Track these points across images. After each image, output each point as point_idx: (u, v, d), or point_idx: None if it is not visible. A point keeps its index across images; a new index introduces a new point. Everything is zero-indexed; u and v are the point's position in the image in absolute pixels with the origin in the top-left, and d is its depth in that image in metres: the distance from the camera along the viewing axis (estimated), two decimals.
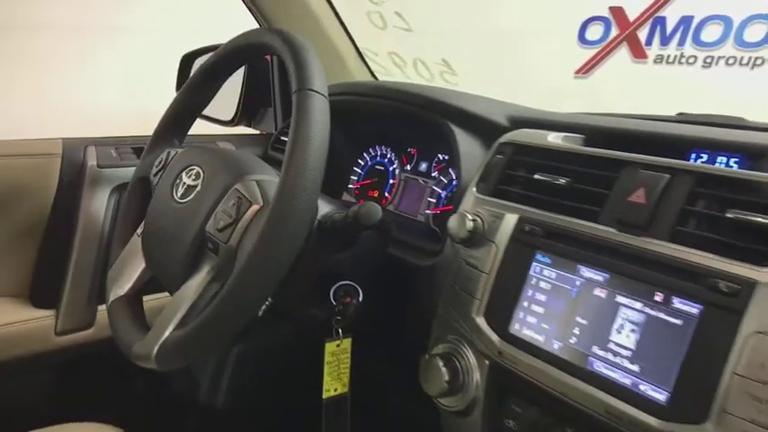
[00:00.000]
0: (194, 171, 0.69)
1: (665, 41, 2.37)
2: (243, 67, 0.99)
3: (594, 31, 2.47)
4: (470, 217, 0.60)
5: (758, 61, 2.21)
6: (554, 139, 0.64)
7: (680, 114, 0.78)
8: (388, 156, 1.00)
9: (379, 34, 1.22)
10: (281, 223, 0.51)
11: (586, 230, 0.52)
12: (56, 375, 1.05)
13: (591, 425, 0.49)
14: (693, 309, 0.43)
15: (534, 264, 0.55)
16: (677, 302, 0.44)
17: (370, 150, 1.02)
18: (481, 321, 0.58)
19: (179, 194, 0.68)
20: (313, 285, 0.74)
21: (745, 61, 2.22)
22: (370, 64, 1.21)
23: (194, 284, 0.62)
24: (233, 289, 0.53)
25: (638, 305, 0.47)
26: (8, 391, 0.99)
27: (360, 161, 1.03)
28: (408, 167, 0.96)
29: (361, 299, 0.76)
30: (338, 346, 0.76)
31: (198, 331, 0.55)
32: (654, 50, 2.40)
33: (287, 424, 1.13)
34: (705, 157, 0.57)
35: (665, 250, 0.47)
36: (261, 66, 1.18)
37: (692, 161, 0.56)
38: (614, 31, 2.45)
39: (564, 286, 0.52)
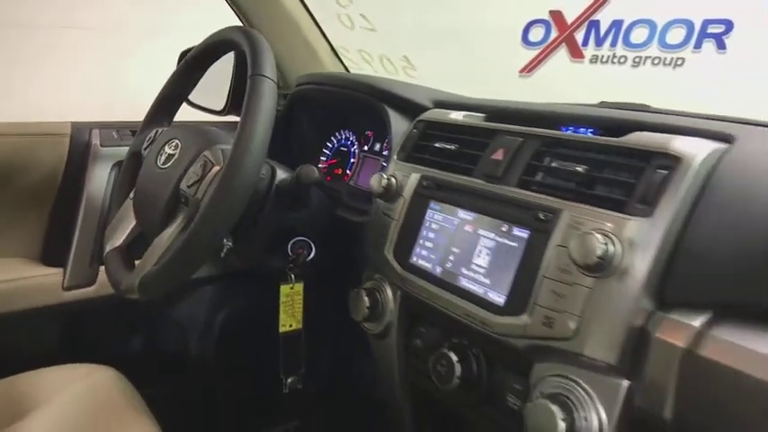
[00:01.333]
0: (174, 143, 0.79)
1: (599, 43, 2.46)
2: (232, 61, 1.07)
3: (536, 33, 2.56)
4: (385, 177, 0.71)
5: (679, 62, 2.32)
6: (455, 116, 0.75)
7: (601, 103, 0.86)
8: (350, 138, 1.07)
9: (349, 33, 1.31)
10: (231, 179, 0.62)
11: (463, 183, 0.64)
12: (63, 324, 1.12)
13: (462, 330, 0.61)
14: (524, 233, 0.55)
15: (428, 210, 0.67)
16: (515, 230, 0.56)
17: (336, 134, 1.10)
18: (390, 257, 0.69)
19: (161, 162, 0.78)
20: (272, 239, 0.84)
21: (668, 61, 2.33)
22: (343, 60, 1.28)
23: (169, 231, 0.72)
24: (194, 230, 0.63)
25: (492, 235, 0.58)
26: (22, 336, 1.07)
27: (328, 144, 1.10)
28: (366, 148, 1.04)
29: (313, 252, 0.86)
30: (291, 288, 0.86)
31: (168, 265, 0.65)
32: (590, 51, 2.50)
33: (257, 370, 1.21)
34: (572, 129, 0.66)
35: (512, 194, 0.59)
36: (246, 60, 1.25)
37: (563, 131, 0.65)
38: (554, 33, 2.53)
39: (446, 226, 0.64)
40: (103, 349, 1.13)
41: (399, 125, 0.83)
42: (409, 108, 0.84)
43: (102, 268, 1.07)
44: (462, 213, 0.63)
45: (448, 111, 0.78)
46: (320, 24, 1.21)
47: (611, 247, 0.47)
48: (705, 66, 2.31)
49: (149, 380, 0.92)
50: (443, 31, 2.31)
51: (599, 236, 0.47)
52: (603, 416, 0.49)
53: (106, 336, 1.18)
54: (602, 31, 2.47)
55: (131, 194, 0.86)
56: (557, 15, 2.52)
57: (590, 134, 0.61)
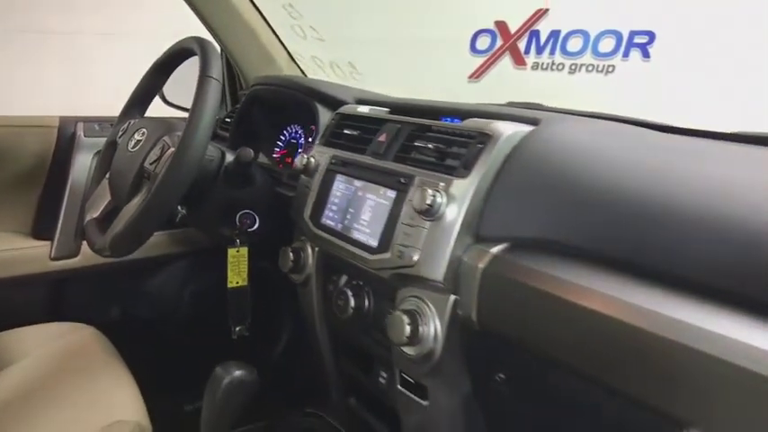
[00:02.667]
0: (142, 131, 0.94)
1: (539, 51, 2.64)
2: None
3: (483, 42, 2.73)
4: (306, 157, 0.88)
5: (610, 68, 2.51)
6: (362, 109, 0.91)
7: (509, 103, 1.02)
8: (299, 132, 1.20)
9: (302, 42, 1.46)
10: (181, 157, 0.77)
11: (358, 160, 0.81)
12: (49, 291, 1.26)
13: (358, 273, 0.78)
14: (392, 194, 0.72)
15: (335, 182, 0.84)
16: (388, 193, 0.73)
17: (287, 129, 1.23)
18: (307, 219, 0.85)
19: (131, 146, 0.93)
20: (222, 211, 0.99)
21: (600, 68, 2.52)
22: (300, 65, 1.43)
23: (135, 201, 0.87)
24: (151, 197, 0.79)
25: (374, 197, 0.75)
26: (11, 300, 1.20)
27: (281, 136, 1.24)
28: (310, 139, 1.17)
29: (257, 222, 1.02)
30: (237, 251, 1.01)
31: (132, 227, 0.80)
32: (531, 58, 2.68)
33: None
34: (448, 119, 0.82)
35: (388, 167, 0.76)
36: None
37: (441, 120, 0.80)
38: (499, 42, 2.71)
39: (347, 193, 0.81)
40: (85, 312, 1.24)
41: (324, 117, 1.00)
42: (333, 103, 1.01)
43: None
44: (357, 183, 0.80)
45: (360, 106, 0.94)
46: (277, 34, 1.36)
47: (438, 199, 0.64)
48: (633, 72, 2.50)
49: (126, 338, 1.06)
50: (393, 41, 2.49)
51: (430, 190, 0.64)
52: (438, 322, 0.66)
53: (88, 301, 1.32)
54: (542, 41, 2.65)
55: (107, 175, 1.02)
56: (501, 25, 2.69)
57: (456, 122, 0.78)
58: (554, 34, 2.62)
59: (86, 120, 1.27)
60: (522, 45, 2.68)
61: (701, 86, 2.16)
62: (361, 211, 0.76)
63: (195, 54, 0.89)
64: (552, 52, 2.65)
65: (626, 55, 2.51)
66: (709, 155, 0.64)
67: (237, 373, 0.75)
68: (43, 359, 0.91)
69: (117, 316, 1.32)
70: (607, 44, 2.50)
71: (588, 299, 0.51)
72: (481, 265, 0.61)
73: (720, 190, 0.51)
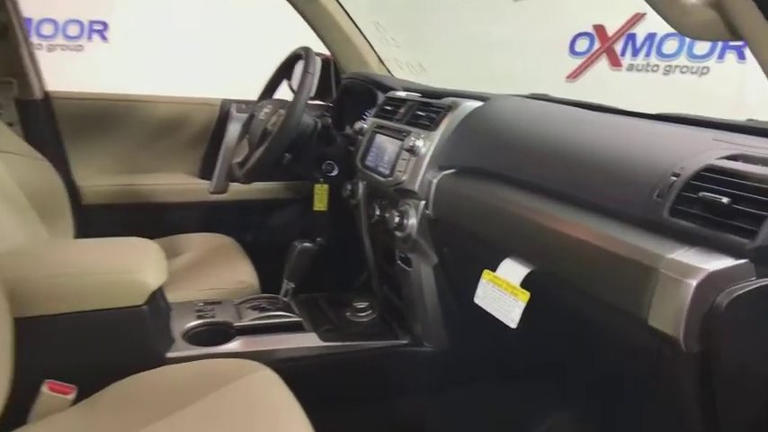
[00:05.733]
0: (268, 106, 1.57)
1: (635, 53, 2.94)
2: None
3: (581, 44, 3.09)
4: (360, 124, 1.44)
5: (705, 70, 2.75)
6: (401, 94, 1.46)
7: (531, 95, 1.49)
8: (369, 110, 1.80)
9: (387, 48, 2.04)
10: (285, 121, 1.38)
11: (387, 124, 1.36)
12: (206, 213, 1.97)
13: (379, 192, 1.32)
14: (398, 142, 1.25)
15: (374, 139, 1.39)
16: (396, 142, 1.26)
17: (367, 111, 1.83)
18: (358, 163, 1.43)
19: (260, 116, 1.57)
20: (312, 159, 1.59)
21: (694, 70, 2.76)
22: (387, 65, 2.01)
23: (260, 149, 1.50)
24: (268, 145, 1.40)
25: (389, 145, 1.30)
26: (183, 216, 1.93)
27: (362, 116, 1.84)
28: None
29: (335, 170, 1.60)
30: (321, 187, 1.60)
31: (257, 162, 1.42)
32: (627, 60, 2.98)
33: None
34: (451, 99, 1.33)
35: (401, 127, 1.29)
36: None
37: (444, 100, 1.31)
38: (597, 45, 3.04)
39: (377, 144, 1.36)
40: (227, 229, 1.84)
41: (380, 99, 1.56)
42: (386, 89, 1.57)
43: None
44: (383, 138, 1.35)
45: (402, 91, 1.49)
46: (371, 43, 1.96)
47: (417, 143, 1.17)
48: (727, 74, 2.72)
49: (252, 248, 1.71)
50: (491, 43, 2.97)
51: (413, 138, 1.17)
52: (414, 216, 1.19)
53: (230, 222, 1.97)
54: (638, 43, 2.94)
55: (247, 136, 1.67)
56: (599, 29, 3.03)
57: (452, 100, 1.29)
58: (650, 37, 2.90)
59: (237, 101, 1.96)
60: (618, 47, 3.00)
61: None
62: (383, 154, 1.31)
63: (302, 58, 1.50)
64: (648, 54, 2.92)
65: (721, 57, 2.73)
66: (605, 124, 1.06)
67: (306, 243, 1.35)
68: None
69: (246, 234, 1.98)
70: (702, 46, 2.73)
71: (495, 198, 0.99)
72: (435, 181, 1.13)
73: (600, 144, 0.91)
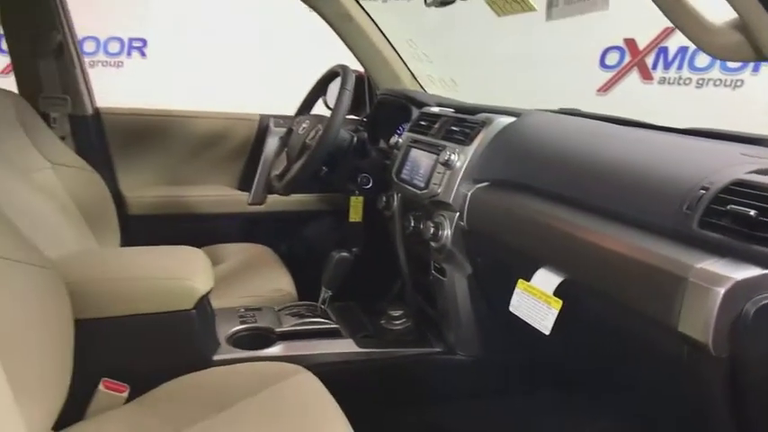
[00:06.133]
0: (306, 121, 1.64)
1: (667, 66, 2.95)
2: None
3: (612, 58, 3.11)
4: (396, 138, 1.50)
5: (738, 83, 2.75)
6: (434, 109, 1.52)
7: (560, 110, 1.54)
8: (404, 125, 1.85)
9: (420, 64, 2.11)
10: (323, 136, 1.45)
11: (422, 138, 1.42)
12: (245, 223, 2.06)
13: (414, 204, 1.38)
14: (434, 156, 1.30)
15: (409, 153, 1.44)
16: (431, 156, 1.31)
17: (401, 126, 1.90)
18: (393, 176, 1.48)
19: (299, 130, 1.64)
20: (349, 173, 1.66)
21: (728, 83, 2.76)
22: (419, 81, 2.08)
23: (299, 162, 1.57)
24: (306, 158, 1.47)
25: (424, 159, 1.35)
26: (222, 226, 2.02)
27: (397, 130, 1.90)
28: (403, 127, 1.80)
29: (371, 182, 1.67)
30: (356, 199, 1.67)
31: (296, 175, 1.50)
32: (658, 73, 2.99)
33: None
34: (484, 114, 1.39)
35: (436, 141, 1.34)
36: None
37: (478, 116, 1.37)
38: (627, 58, 3.06)
39: (414, 158, 1.41)
40: (264, 239, 1.94)
41: (414, 114, 1.62)
42: (420, 105, 1.63)
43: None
44: (418, 152, 1.40)
45: (436, 107, 1.55)
46: (404, 59, 2.03)
47: (452, 157, 1.22)
48: (762, 87, 2.71)
49: (288, 255, 1.78)
50: (522, 58, 3.01)
51: (448, 152, 1.23)
52: (448, 227, 1.24)
53: (267, 232, 2.07)
54: (670, 56, 2.95)
55: (285, 149, 1.74)
56: (630, 42, 3.05)
57: (486, 116, 1.35)
58: (682, 50, 2.91)
59: (275, 116, 2.05)
60: (649, 61, 3.01)
61: None
62: (419, 167, 1.37)
63: (339, 75, 1.57)
64: (680, 67, 2.93)
65: (755, 70, 2.72)
66: (634, 138, 1.10)
67: (343, 253, 1.41)
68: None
69: (282, 244, 2.06)
70: None
71: (529, 210, 1.04)
72: (469, 194, 1.18)
73: (631, 158, 0.95)
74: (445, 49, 2.55)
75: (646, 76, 3.07)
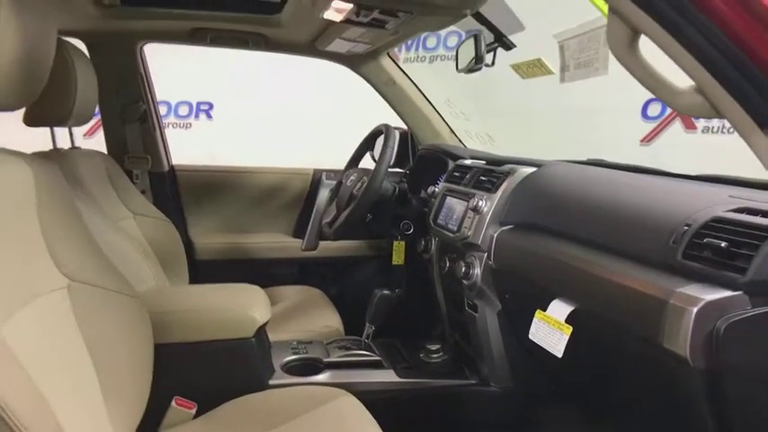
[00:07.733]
0: (354, 174, 1.85)
1: None
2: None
3: (654, 109, 3.22)
4: (434, 188, 1.69)
5: None
6: (468, 162, 1.70)
7: (588, 159, 1.70)
8: (442, 176, 2.05)
9: (457, 121, 2.32)
10: (368, 187, 1.65)
11: (455, 188, 1.59)
12: (299, 267, 2.28)
13: (449, 247, 1.54)
14: (465, 203, 1.47)
15: (444, 201, 1.62)
16: (463, 203, 1.48)
17: (440, 177, 2.09)
18: (431, 222, 1.66)
19: (348, 182, 1.85)
20: (391, 220, 1.84)
21: None
22: (458, 135, 2.28)
23: (347, 210, 1.77)
24: (353, 207, 1.67)
25: (457, 206, 1.52)
26: (278, 271, 2.23)
27: (436, 181, 2.09)
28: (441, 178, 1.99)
29: (411, 228, 1.84)
30: (399, 243, 1.84)
31: (344, 222, 1.70)
32: (701, 122, 3.08)
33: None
34: (509, 165, 1.56)
35: (468, 189, 1.52)
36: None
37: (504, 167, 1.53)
38: (669, 109, 3.16)
39: (449, 205, 1.59)
40: (316, 282, 2.20)
41: (450, 166, 1.80)
42: (455, 158, 1.81)
43: None
44: (453, 199, 1.57)
45: (469, 160, 1.72)
46: (444, 117, 2.24)
47: (480, 203, 1.39)
48: None
49: (339, 299, 1.97)
50: (565, 111, 3.17)
51: (477, 198, 1.39)
52: (479, 266, 1.39)
53: (320, 278, 2.28)
54: None
55: (335, 200, 1.95)
56: None
57: (510, 166, 1.51)
58: None
59: (327, 170, 2.28)
60: None
61: None
62: (453, 213, 1.54)
63: (383, 133, 1.78)
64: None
65: None
66: (638, 184, 1.24)
67: (385, 291, 1.58)
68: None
69: (332, 287, 2.25)
70: None
71: (546, 249, 1.19)
72: (495, 236, 1.34)
73: (630, 201, 1.11)
74: (483, 105, 2.76)
75: (689, 125, 3.16)
